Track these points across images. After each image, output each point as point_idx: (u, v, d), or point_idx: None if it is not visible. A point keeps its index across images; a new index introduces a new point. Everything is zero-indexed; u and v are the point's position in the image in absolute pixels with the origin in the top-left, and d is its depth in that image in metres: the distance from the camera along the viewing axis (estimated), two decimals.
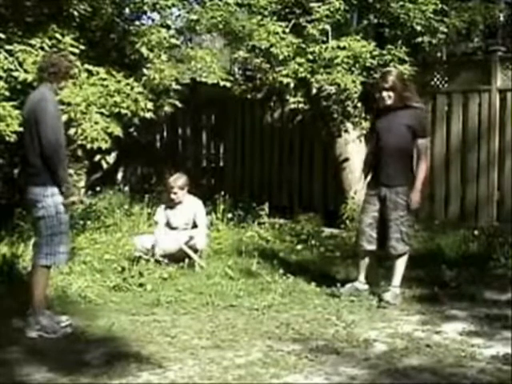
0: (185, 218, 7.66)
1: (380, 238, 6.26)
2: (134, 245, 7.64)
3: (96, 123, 7.50)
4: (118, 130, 7.76)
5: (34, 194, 5.32)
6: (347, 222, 9.07)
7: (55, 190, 5.27)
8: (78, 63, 7.44)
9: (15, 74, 7.17)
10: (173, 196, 7.65)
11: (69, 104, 7.36)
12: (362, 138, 9.49)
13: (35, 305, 5.32)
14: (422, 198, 6.32)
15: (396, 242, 6.17)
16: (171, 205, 7.70)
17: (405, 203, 6.15)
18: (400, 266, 6.25)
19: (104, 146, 7.62)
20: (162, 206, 7.79)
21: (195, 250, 7.46)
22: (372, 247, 6.33)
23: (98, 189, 10.60)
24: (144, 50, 8.20)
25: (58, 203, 5.29)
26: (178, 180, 7.69)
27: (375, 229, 6.28)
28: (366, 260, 6.45)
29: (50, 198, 5.26)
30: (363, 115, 9.38)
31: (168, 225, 7.67)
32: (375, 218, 6.28)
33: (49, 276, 5.52)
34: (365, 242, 6.33)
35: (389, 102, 6.22)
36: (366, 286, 6.39)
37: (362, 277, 6.44)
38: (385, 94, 6.19)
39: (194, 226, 7.67)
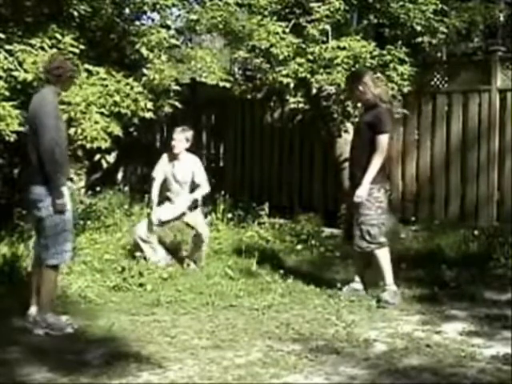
0: (182, 175, 7.60)
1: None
2: (133, 233, 7.67)
3: (96, 123, 7.50)
4: (117, 130, 7.77)
5: (35, 194, 5.33)
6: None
7: None
8: (78, 63, 7.45)
9: (15, 73, 7.18)
10: (174, 143, 7.60)
11: (69, 103, 7.36)
12: None
13: (43, 304, 5.35)
14: (387, 197, 6.35)
15: (359, 240, 6.24)
16: (171, 158, 7.66)
17: (367, 202, 6.18)
18: (381, 264, 6.25)
19: (104, 145, 7.63)
20: (164, 157, 7.74)
21: (199, 247, 7.46)
22: (350, 244, 6.44)
23: (98, 189, 10.60)
24: (144, 50, 8.20)
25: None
26: (184, 131, 7.68)
27: (352, 226, 6.37)
28: (358, 258, 6.51)
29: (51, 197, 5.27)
30: None
31: (165, 181, 7.62)
32: (352, 216, 6.37)
33: (57, 275, 5.54)
34: (345, 239, 6.58)
35: (352, 102, 6.41)
36: (362, 285, 6.41)
37: (356, 276, 6.47)
38: (350, 95, 6.37)
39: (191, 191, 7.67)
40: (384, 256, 6.26)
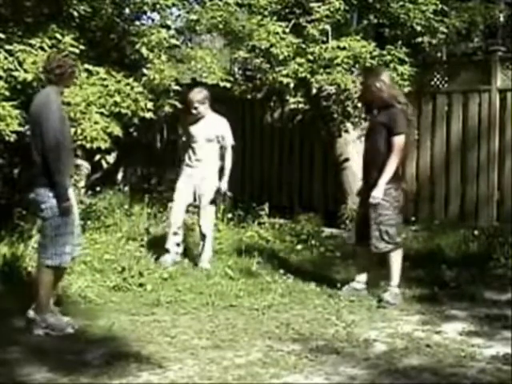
0: (206, 133, 7.40)
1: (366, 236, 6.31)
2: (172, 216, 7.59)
3: (96, 123, 7.50)
4: (117, 130, 7.77)
5: (39, 195, 5.33)
6: (347, 221, 9.08)
7: None
8: (78, 63, 7.44)
9: (15, 73, 7.17)
10: (194, 111, 7.44)
11: (69, 104, 7.35)
12: (362, 138, 9.49)
13: (41, 304, 5.34)
14: (404, 197, 6.33)
15: (376, 241, 6.19)
16: (194, 120, 7.51)
17: (385, 202, 6.16)
18: (393, 264, 6.24)
19: (104, 145, 7.62)
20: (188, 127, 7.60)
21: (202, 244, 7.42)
22: (361, 244, 6.39)
23: (98, 189, 10.59)
24: (144, 51, 8.20)
25: None
26: (197, 94, 7.46)
27: (365, 227, 6.32)
28: (362, 259, 6.50)
29: (55, 199, 5.26)
30: (363, 115, 9.39)
31: (189, 138, 7.49)
32: (365, 216, 6.32)
33: (60, 275, 5.55)
34: (356, 240, 6.47)
35: (365, 100, 6.43)
36: (364, 285, 6.40)
37: (358, 276, 6.46)
38: (362, 93, 6.37)
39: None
40: (398, 257, 6.27)
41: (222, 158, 7.51)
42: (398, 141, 6.19)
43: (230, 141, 7.46)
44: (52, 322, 5.32)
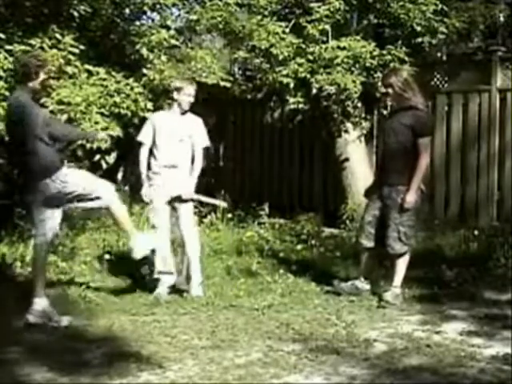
0: (184, 132, 6.55)
1: (380, 237, 6.26)
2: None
3: (96, 123, 7.51)
4: (117, 130, 7.78)
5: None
6: (347, 221, 9.08)
7: None
8: (78, 63, 7.46)
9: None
10: (190, 99, 6.62)
11: (69, 104, 7.36)
12: (362, 138, 9.52)
13: None
14: (421, 198, 6.31)
15: (393, 242, 6.16)
16: (172, 115, 6.65)
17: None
18: (400, 265, 6.24)
19: (104, 145, 7.63)
20: (155, 118, 6.76)
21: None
22: (370, 244, 6.34)
23: None
24: (144, 51, 8.21)
25: None
26: (192, 84, 6.76)
27: (375, 227, 6.29)
28: (367, 258, 6.47)
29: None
30: (363, 115, 9.40)
31: (156, 146, 6.66)
32: (376, 216, 6.29)
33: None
34: (363, 240, 6.36)
35: (388, 100, 6.35)
36: (367, 286, 6.39)
37: (362, 275, 6.44)
38: (384, 91, 6.29)
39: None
40: (406, 259, 6.25)
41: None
42: (427, 143, 6.20)
43: (202, 141, 6.62)
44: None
